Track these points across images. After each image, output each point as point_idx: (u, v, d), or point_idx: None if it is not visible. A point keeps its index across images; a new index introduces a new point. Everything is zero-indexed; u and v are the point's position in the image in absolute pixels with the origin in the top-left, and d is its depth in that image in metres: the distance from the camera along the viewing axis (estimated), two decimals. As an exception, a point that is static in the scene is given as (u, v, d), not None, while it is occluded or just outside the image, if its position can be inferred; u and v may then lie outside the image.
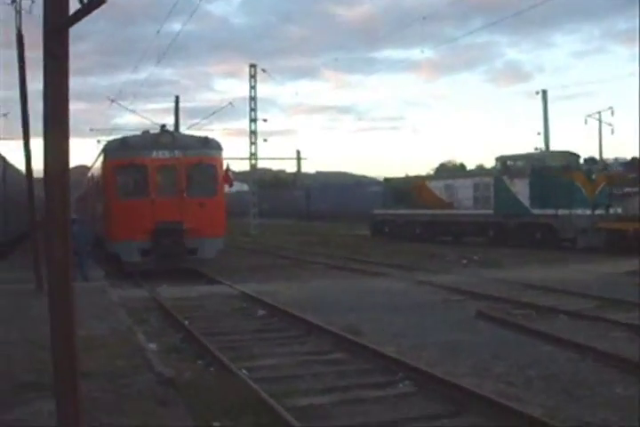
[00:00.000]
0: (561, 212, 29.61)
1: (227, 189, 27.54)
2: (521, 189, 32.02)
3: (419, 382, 9.37)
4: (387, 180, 47.71)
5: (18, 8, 17.18)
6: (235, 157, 54.99)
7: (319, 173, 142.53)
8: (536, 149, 34.24)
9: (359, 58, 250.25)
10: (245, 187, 65.47)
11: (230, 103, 48.96)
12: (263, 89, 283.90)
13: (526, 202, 31.68)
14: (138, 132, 27.49)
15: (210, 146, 24.51)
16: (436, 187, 38.99)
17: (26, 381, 8.48)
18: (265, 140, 62.65)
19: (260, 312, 15.90)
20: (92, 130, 58.56)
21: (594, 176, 30.56)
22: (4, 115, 39.37)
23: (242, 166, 65.19)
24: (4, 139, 46.65)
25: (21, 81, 18.19)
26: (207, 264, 23.98)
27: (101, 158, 25.79)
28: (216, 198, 24.34)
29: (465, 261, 26.69)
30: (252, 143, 51.17)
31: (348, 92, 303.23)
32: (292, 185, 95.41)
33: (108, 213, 24.07)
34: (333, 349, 11.83)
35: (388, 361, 10.40)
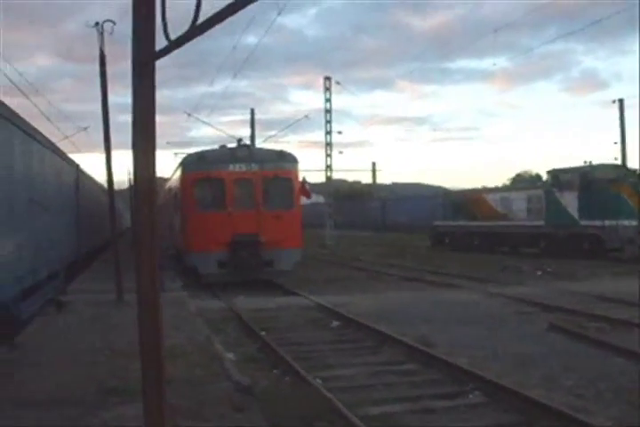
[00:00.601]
0: (608, 222, 30.35)
1: (304, 200, 27.93)
2: (570, 201, 33.12)
3: (489, 393, 9.54)
4: (446, 193, 50.12)
5: (100, 30, 17.85)
6: (310, 168, 55.58)
7: (395, 185, 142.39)
8: (585, 162, 34.16)
9: (434, 68, 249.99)
10: (321, 198, 65.93)
11: (306, 116, 49.78)
12: (338, 100, 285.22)
13: (575, 213, 32.70)
14: (214, 146, 28.07)
15: (286, 159, 24.97)
16: (493, 199, 40.58)
17: (110, 386, 8.91)
18: (340, 153, 63.14)
19: (335, 323, 16.17)
20: (168, 143, 59.66)
21: None
22: (85, 128, 40.48)
23: (318, 178, 65.66)
24: (83, 152, 48.05)
25: (103, 98, 18.86)
26: (284, 276, 24.39)
27: (179, 172, 26.42)
28: (292, 211, 24.73)
29: (539, 273, 26.56)
30: (327, 155, 51.54)
31: (423, 103, 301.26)
32: (367, 196, 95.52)
33: (185, 226, 24.65)
34: (406, 359, 12.05)
35: (459, 372, 10.58)
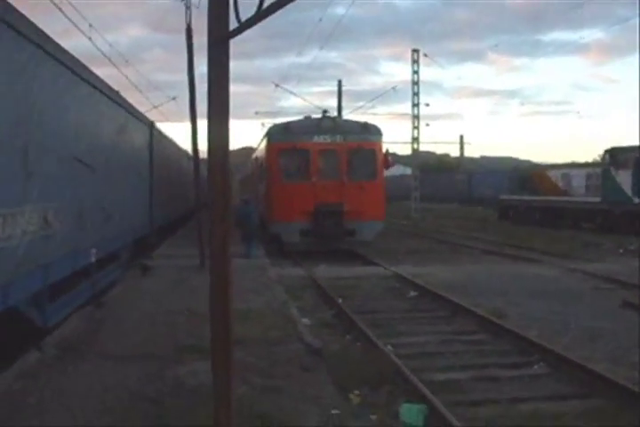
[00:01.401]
0: None
1: (388, 172, 28.14)
2: (625, 179, 33.72)
3: (553, 365, 9.74)
4: (513, 168, 51.69)
5: (188, 4, 18.32)
6: (398, 140, 55.56)
7: (483, 158, 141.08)
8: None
9: (525, 40, 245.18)
10: (408, 171, 65.84)
11: (393, 88, 49.77)
12: (427, 73, 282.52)
13: (629, 191, 33.26)
14: (301, 116, 28.44)
15: (370, 131, 25.20)
16: (554, 176, 42.21)
17: (186, 344, 9.48)
18: (427, 125, 63.27)
19: (412, 293, 16.46)
20: (257, 113, 60.37)
21: None
22: (173, 98, 41.31)
23: (405, 150, 65.48)
24: (172, 121, 48.98)
25: (190, 70, 19.38)
26: (365, 246, 24.74)
27: (265, 142, 26.92)
28: (375, 182, 25.00)
29: (621, 250, 26.30)
30: (414, 128, 51.39)
31: (514, 76, 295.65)
32: (455, 169, 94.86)
33: (270, 195, 25.16)
34: (477, 330, 12.31)
35: (527, 344, 10.78)
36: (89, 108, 12.88)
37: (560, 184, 40.91)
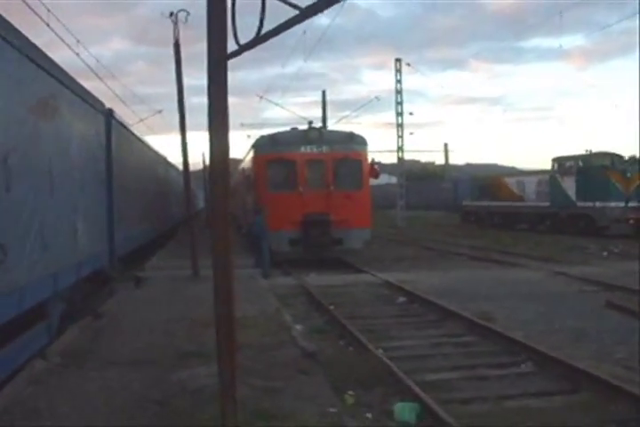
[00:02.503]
0: (598, 204, 35.13)
1: (374, 181, 28.54)
2: (569, 185, 37.92)
3: (539, 364, 10.12)
4: (472, 177, 56.25)
5: (175, 20, 18.71)
6: (383, 149, 56.08)
7: (468, 166, 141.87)
8: (586, 150, 38.88)
9: (507, 47, 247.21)
10: (394, 179, 66.23)
11: (376, 97, 50.18)
12: (411, 81, 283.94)
13: (573, 196, 37.44)
14: (287, 127, 28.82)
15: (355, 141, 25.61)
16: (510, 183, 45.94)
17: (187, 350, 9.83)
18: (411, 134, 63.68)
19: (401, 299, 16.81)
20: (242, 125, 60.56)
21: (629, 174, 35.31)
22: (159, 111, 41.75)
23: (390, 159, 65.89)
24: (158, 134, 49.21)
25: (178, 84, 19.81)
26: (353, 254, 25.10)
27: (252, 153, 27.24)
28: (362, 191, 25.37)
29: (605, 253, 26.79)
30: (399, 136, 51.86)
31: (497, 83, 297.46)
32: (440, 177, 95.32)
33: (258, 205, 25.45)
34: (465, 332, 12.66)
35: (514, 344, 11.15)
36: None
37: (515, 190, 44.70)
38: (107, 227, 16.36)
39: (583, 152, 38.72)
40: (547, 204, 39.89)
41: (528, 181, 43.48)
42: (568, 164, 38.99)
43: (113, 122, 17.70)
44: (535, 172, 46.82)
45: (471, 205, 50.32)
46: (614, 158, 38.18)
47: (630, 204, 34.64)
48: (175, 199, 40.84)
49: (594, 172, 36.31)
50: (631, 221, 34.35)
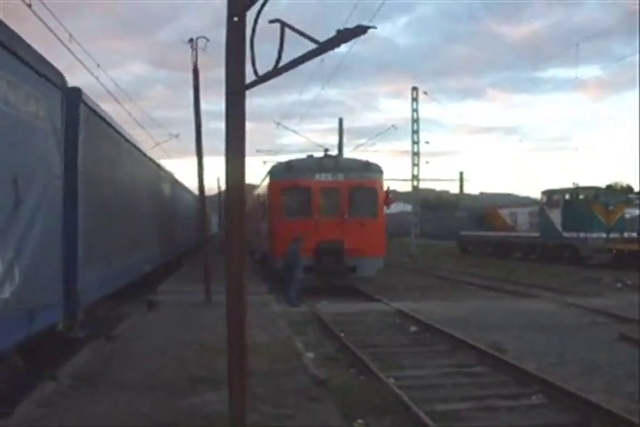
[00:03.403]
0: (582, 235, 37.51)
1: (390, 209, 28.59)
2: (556, 216, 40.44)
3: (551, 396, 10.09)
4: (469, 208, 59.21)
5: (195, 46, 18.93)
6: (399, 177, 56.27)
7: (483, 195, 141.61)
8: (574, 184, 41.56)
9: (525, 77, 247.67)
10: (408, 207, 66.20)
11: (393, 126, 50.25)
12: (427, 110, 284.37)
13: (559, 227, 39.94)
14: (303, 154, 28.96)
15: (371, 169, 25.72)
16: (504, 214, 48.45)
17: (198, 376, 9.87)
18: (427, 163, 63.39)
19: (413, 328, 16.79)
20: (258, 151, 60.66)
21: (611, 207, 38.11)
22: (176, 136, 41.78)
23: (405, 187, 65.96)
24: (173, 158, 48.63)
25: (196, 109, 20.01)
26: (366, 282, 25.11)
27: (268, 180, 27.36)
28: (376, 219, 25.42)
29: (620, 285, 26.69)
30: (414, 165, 51.99)
31: (513, 113, 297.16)
32: (454, 206, 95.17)
33: (272, 232, 25.54)
34: (476, 363, 12.63)
35: (525, 376, 11.13)
36: None
37: (508, 221, 47.30)
38: (62, 265, 10.72)
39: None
40: (537, 234, 42.36)
41: (520, 212, 46.13)
42: (555, 196, 41.62)
43: (82, 107, 12.06)
44: (526, 204, 50.29)
45: (469, 234, 52.50)
46: (598, 192, 41.73)
47: (612, 235, 37.12)
48: (182, 223, 37.64)
49: (578, 204, 39.14)
50: (613, 251, 36.44)
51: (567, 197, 40.57)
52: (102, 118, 14.28)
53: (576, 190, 40.91)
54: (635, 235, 36.42)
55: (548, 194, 42.62)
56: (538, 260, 40.82)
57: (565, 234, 39.21)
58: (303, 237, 22.67)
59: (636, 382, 10.88)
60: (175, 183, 33.20)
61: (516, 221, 46.20)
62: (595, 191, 41.39)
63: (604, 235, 37.13)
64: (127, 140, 17.64)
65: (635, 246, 34.64)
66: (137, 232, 19.41)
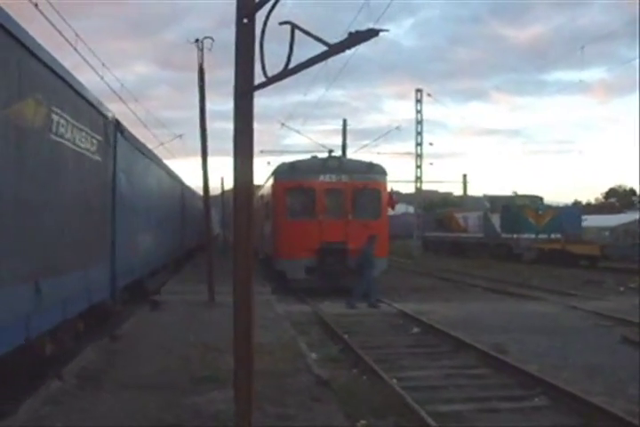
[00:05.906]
0: (515, 236, 43.25)
1: (393, 211, 28.59)
2: (496, 220, 46.88)
3: (553, 398, 10.11)
4: (430, 211, 65.90)
5: (200, 46, 18.96)
6: (403, 178, 56.62)
7: (486, 197, 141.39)
8: (513, 192, 49.52)
9: (529, 80, 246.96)
10: (411, 209, 66.16)
11: (397, 127, 50.24)
12: (431, 111, 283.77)
13: (498, 229, 46.27)
14: (307, 154, 28.95)
15: (375, 171, 25.74)
16: (458, 217, 56.91)
17: (202, 375, 9.90)
18: (431, 164, 63.38)
19: (415, 329, 16.84)
20: (262, 151, 60.50)
21: (541, 212, 44.35)
22: (180, 136, 41.76)
23: (409, 188, 66.00)
24: (177, 158, 48.73)
25: (201, 109, 20.01)
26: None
27: (272, 180, 27.37)
28: (380, 221, 25.43)
29: (622, 288, 26.71)
30: (417, 166, 51.90)
31: (517, 115, 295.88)
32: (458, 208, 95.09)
33: (276, 232, 25.59)
34: (479, 364, 12.66)
35: (528, 378, 11.15)
36: None
37: (461, 224, 55.78)
38: (110, 255, 13.29)
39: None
40: (482, 235, 48.87)
41: (471, 216, 54.16)
42: (497, 203, 48.56)
43: (118, 136, 14.26)
44: (475, 209, 56.30)
45: (430, 235, 57.51)
46: (532, 199, 48.66)
47: (540, 235, 42.66)
48: (190, 224, 38.34)
49: (514, 210, 44.94)
50: (538, 249, 41.88)
51: (505, 203, 47.16)
52: (133, 144, 16.64)
53: (512, 198, 50.15)
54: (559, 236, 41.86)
55: (491, 200, 51.13)
56: (487, 257, 44.24)
57: (503, 235, 45.21)
58: (376, 235, 22.78)
59: (639, 385, 10.90)
60: (184, 188, 34.27)
61: (467, 223, 54.58)
62: (529, 199, 48.70)
63: (533, 236, 42.80)
64: (149, 158, 20.14)
65: (557, 245, 40.47)
66: (159, 232, 22.51)
